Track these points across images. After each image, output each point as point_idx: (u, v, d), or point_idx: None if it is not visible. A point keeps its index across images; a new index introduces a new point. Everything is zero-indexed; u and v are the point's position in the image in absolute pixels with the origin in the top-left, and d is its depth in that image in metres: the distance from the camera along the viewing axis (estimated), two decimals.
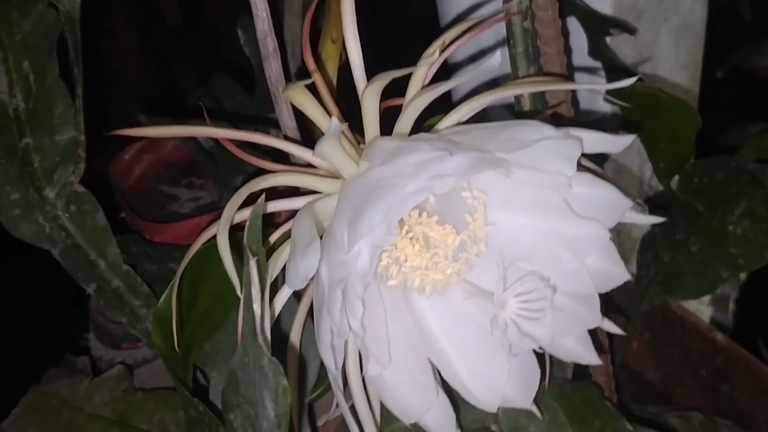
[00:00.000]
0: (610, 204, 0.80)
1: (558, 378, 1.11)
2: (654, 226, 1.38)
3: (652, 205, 1.39)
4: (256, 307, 0.65)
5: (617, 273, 0.83)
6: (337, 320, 0.68)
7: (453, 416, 0.82)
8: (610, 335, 1.49)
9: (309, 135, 1.00)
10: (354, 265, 0.70)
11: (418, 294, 0.85)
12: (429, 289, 0.82)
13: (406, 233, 0.83)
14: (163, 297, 0.97)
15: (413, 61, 0.82)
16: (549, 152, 0.76)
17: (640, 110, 1.14)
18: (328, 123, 0.75)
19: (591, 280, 0.83)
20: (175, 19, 2.40)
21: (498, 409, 0.97)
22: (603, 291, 0.84)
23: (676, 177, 1.29)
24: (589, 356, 0.84)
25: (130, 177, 1.57)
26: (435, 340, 0.83)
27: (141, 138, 1.56)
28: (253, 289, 0.65)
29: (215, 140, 1.45)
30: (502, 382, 0.82)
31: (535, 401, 0.97)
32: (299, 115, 1.01)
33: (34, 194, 1.05)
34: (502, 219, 0.84)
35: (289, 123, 0.93)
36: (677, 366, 1.56)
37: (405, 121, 0.79)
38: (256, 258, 0.65)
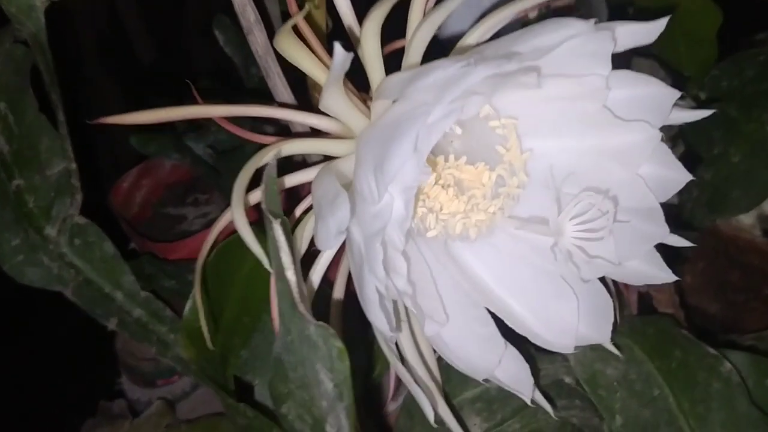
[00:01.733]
0: (654, 100, 0.72)
1: (625, 316, 1.03)
2: (690, 145, 1.29)
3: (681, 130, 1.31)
4: (290, 274, 0.57)
5: (676, 177, 0.74)
6: (382, 276, 0.60)
7: (526, 367, 0.73)
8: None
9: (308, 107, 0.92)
10: (389, 214, 0.62)
11: (462, 243, 0.76)
12: (474, 232, 0.74)
13: (436, 181, 0.75)
14: (188, 307, 0.89)
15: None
16: (578, 53, 0.68)
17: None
18: (325, 75, 0.67)
19: (649, 190, 0.74)
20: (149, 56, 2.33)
21: (569, 357, 0.90)
22: (664, 199, 0.75)
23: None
24: (662, 274, 0.76)
25: (133, 205, 1.50)
26: (489, 289, 0.75)
27: (136, 163, 1.50)
28: (283, 255, 0.57)
29: (213, 148, 1.38)
30: (574, 320, 0.74)
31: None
32: (296, 91, 0.93)
33: (34, 235, 0.99)
34: (540, 145, 0.76)
35: (284, 95, 0.85)
36: (739, 291, 1.47)
37: (413, 54, 0.71)
38: (279, 220, 0.56)
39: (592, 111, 0.72)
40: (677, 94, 0.70)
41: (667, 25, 1.07)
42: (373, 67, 0.72)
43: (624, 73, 0.71)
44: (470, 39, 0.74)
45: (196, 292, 0.79)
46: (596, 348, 0.91)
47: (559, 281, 0.75)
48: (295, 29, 0.70)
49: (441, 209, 0.74)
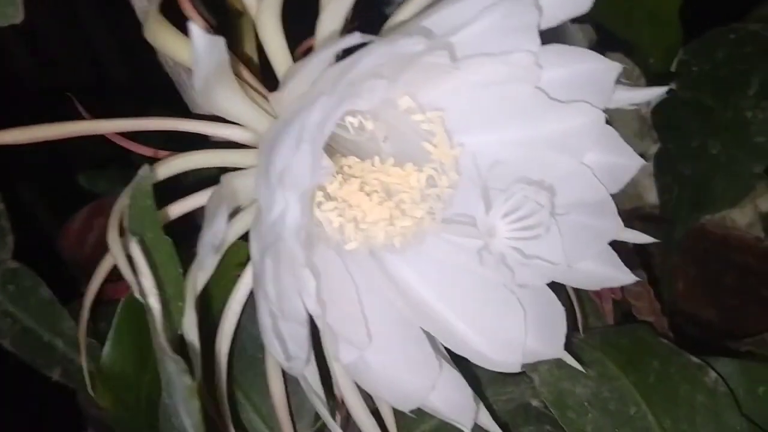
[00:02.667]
0: (594, 77, 0.63)
1: (597, 327, 0.93)
2: (666, 141, 1.20)
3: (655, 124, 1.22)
4: (152, 300, 0.48)
5: (626, 163, 0.65)
6: (273, 296, 0.51)
7: (468, 392, 0.64)
8: (651, 279, 1.31)
9: None
10: (283, 223, 0.53)
11: (395, 256, 0.67)
12: (399, 241, 0.65)
13: (361, 188, 0.66)
14: (107, 349, 0.80)
15: None
16: (498, 27, 0.59)
17: None
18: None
19: (598, 180, 0.65)
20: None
21: (535, 378, 0.80)
22: (616, 189, 0.66)
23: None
24: (619, 276, 0.66)
25: (85, 246, 1.42)
26: (426, 305, 0.66)
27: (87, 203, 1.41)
28: (142, 280, 0.48)
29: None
30: (521, 334, 0.65)
31: (576, 357, 0.80)
32: None
33: None
34: (472, 139, 0.68)
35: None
36: (734, 294, 1.37)
37: (326, 24, 0.61)
38: (137, 238, 0.48)
39: (525, 95, 0.63)
40: (618, 68, 0.62)
41: (628, 8, 0.99)
42: (276, 54, 0.63)
43: (556, 49, 0.62)
44: (402, 16, 0.65)
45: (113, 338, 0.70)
46: (563, 365, 0.81)
47: (503, 291, 0.66)
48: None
49: (364, 218, 0.65)
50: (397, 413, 0.80)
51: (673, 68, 1.07)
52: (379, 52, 0.51)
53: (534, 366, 0.82)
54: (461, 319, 0.66)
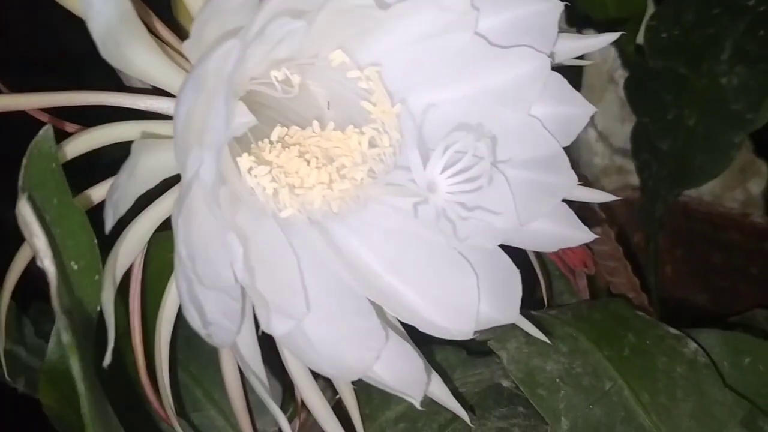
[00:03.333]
0: (536, 20, 0.59)
1: (571, 304, 0.89)
2: (641, 115, 1.16)
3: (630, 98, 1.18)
4: (47, 263, 0.43)
5: (578, 112, 0.61)
6: (184, 256, 0.46)
7: (419, 364, 0.59)
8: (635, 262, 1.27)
9: None
10: (197, 178, 0.49)
11: (338, 225, 0.63)
12: (337, 205, 0.60)
13: (300, 154, 0.62)
14: (51, 345, 0.76)
15: None
16: None
17: None
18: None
19: (548, 132, 0.61)
20: None
21: (503, 356, 0.76)
22: (568, 142, 0.62)
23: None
24: (577, 234, 0.62)
25: None
26: (371, 274, 0.62)
27: None
28: (35, 240, 0.44)
29: None
30: (473, 300, 0.60)
31: (546, 333, 0.75)
32: None
33: None
34: (414, 96, 0.63)
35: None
36: (724, 274, 1.32)
37: None
38: (26, 195, 0.43)
39: (464, 43, 0.60)
40: (560, 6, 0.57)
41: None
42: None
43: None
44: None
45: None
46: (533, 342, 0.77)
47: (455, 257, 0.62)
48: None
49: (301, 183, 0.61)
50: (361, 401, 0.76)
51: (641, 36, 1.03)
52: None
53: (502, 344, 0.77)
54: (411, 288, 0.62)
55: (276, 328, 0.54)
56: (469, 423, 0.66)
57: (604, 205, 1.28)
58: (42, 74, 1.08)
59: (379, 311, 0.61)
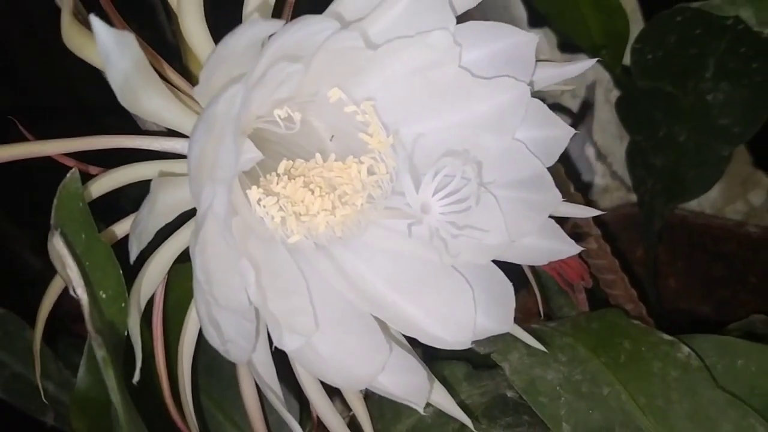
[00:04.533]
0: (514, 51, 0.64)
1: (571, 316, 0.93)
2: (634, 133, 1.21)
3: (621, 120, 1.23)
4: (80, 292, 0.49)
5: (558, 134, 0.66)
6: (202, 281, 0.52)
7: (422, 373, 0.64)
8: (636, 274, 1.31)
9: None
10: (211, 211, 0.54)
11: (342, 249, 0.68)
12: (340, 230, 0.65)
13: (305, 185, 0.68)
14: (81, 373, 0.81)
15: None
16: (414, 11, 0.61)
17: None
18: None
19: (532, 155, 0.66)
20: None
21: (505, 367, 0.80)
22: (551, 162, 0.67)
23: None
24: (564, 247, 0.67)
25: None
26: (375, 293, 0.67)
27: None
28: (68, 271, 0.49)
29: None
30: (470, 313, 0.65)
31: (545, 344, 0.80)
32: None
33: None
34: (408, 127, 0.69)
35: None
36: (725, 284, 1.36)
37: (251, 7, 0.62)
38: (58, 231, 0.49)
39: (451, 76, 0.65)
40: (535, 38, 0.63)
41: (575, 3, 1.00)
42: (199, 46, 0.64)
43: (474, 27, 0.64)
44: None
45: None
46: (534, 353, 0.81)
47: (452, 273, 0.66)
48: None
49: (307, 211, 0.66)
50: (374, 417, 0.81)
51: (627, 58, 1.08)
52: (287, 35, 0.52)
53: (505, 356, 0.82)
54: (412, 304, 0.66)
55: (287, 344, 0.59)
56: (474, 430, 0.70)
57: (604, 221, 1.33)
58: (65, 122, 1.15)
59: (384, 326, 0.66)
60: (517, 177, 0.67)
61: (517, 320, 0.77)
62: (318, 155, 0.69)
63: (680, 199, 1.20)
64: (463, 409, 0.78)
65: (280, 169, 0.68)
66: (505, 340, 0.81)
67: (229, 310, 0.56)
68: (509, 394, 0.84)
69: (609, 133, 1.50)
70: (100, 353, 0.49)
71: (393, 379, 0.63)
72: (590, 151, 1.53)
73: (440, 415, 0.79)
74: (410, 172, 0.63)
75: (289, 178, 0.69)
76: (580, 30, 1.02)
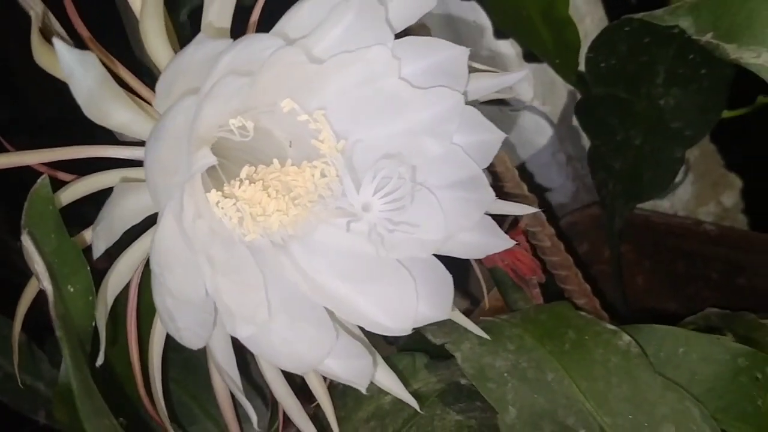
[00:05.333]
0: (449, 64, 0.71)
1: (523, 309, 0.99)
2: (594, 138, 1.27)
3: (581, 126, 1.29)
4: (46, 284, 0.55)
5: (491, 138, 0.73)
6: (157, 273, 0.58)
7: (367, 359, 0.70)
8: (603, 272, 1.37)
9: None
10: (169, 213, 0.60)
11: (298, 246, 0.75)
12: (293, 228, 0.72)
13: (264, 188, 0.74)
14: (63, 368, 0.87)
15: None
16: (356, 28, 0.68)
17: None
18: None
19: (469, 158, 0.72)
20: None
21: (457, 355, 0.86)
22: (486, 164, 0.73)
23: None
24: (499, 242, 0.73)
25: None
26: (327, 287, 0.73)
27: None
28: (35, 266, 0.55)
29: None
30: (413, 303, 0.71)
31: (496, 334, 0.86)
32: None
33: None
34: (357, 134, 0.75)
35: None
36: (689, 281, 1.42)
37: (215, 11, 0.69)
38: (26, 230, 0.55)
39: (392, 87, 0.71)
40: (467, 51, 0.69)
41: (527, 16, 1.07)
42: (161, 57, 0.69)
43: (412, 42, 0.70)
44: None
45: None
46: (484, 342, 0.87)
47: (396, 266, 0.73)
48: None
49: (263, 212, 0.72)
50: (337, 406, 0.87)
51: (582, 67, 1.14)
52: (233, 52, 0.59)
53: (457, 345, 0.88)
54: (360, 296, 0.72)
55: (240, 332, 0.65)
56: (418, 409, 0.76)
57: (573, 221, 1.39)
58: (46, 134, 1.21)
59: (333, 315, 0.72)
60: (456, 178, 0.73)
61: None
62: (276, 161, 0.75)
63: (639, 200, 1.26)
64: (420, 395, 0.85)
65: (243, 174, 0.74)
66: (458, 331, 0.87)
67: (186, 302, 0.62)
68: (463, 381, 0.90)
69: (578, 137, 1.56)
70: (58, 333, 0.55)
71: (339, 363, 0.69)
72: (561, 157, 1.60)
73: (397, 402, 0.85)
74: (356, 174, 0.70)
75: (251, 182, 0.75)
76: (534, 42, 1.08)
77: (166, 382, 0.96)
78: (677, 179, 1.65)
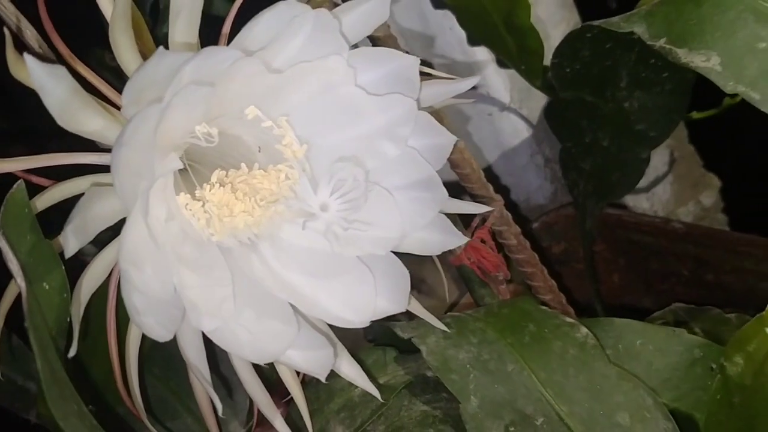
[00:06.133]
0: (401, 73, 0.75)
1: (489, 304, 1.03)
2: (564, 140, 1.32)
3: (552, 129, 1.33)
4: (20, 280, 0.59)
5: (444, 141, 0.77)
6: (125, 270, 0.62)
7: (328, 350, 0.75)
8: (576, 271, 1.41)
9: None
10: (137, 215, 0.65)
11: (264, 245, 0.79)
12: (257, 229, 0.76)
13: (232, 191, 0.78)
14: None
15: None
16: (313, 41, 0.72)
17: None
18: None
19: (424, 160, 0.77)
20: None
21: (423, 349, 0.90)
22: (440, 166, 0.78)
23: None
24: (454, 239, 0.78)
25: None
26: (291, 283, 0.77)
27: None
28: (9, 264, 0.60)
29: None
30: (372, 297, 0.76)
31: (460, 328, 0.90)
32: None
33: None
34: (319, 139, 0.79)
35: None
36: (662, 278, 1.46)
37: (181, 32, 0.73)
38: (1, 232, 0.60)
39: (350, 94, 0.75)
40: (417, 60, 0.74)
41: (492, 24, 1.11)
42: (132, 68, 0.72)
43: (366, 52, 0.75)
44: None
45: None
46: (449, 336, 0.91)
47: (356, 262, 0.77)
48: None
49: (230, 213, 0.77)
50: (310, 399, 0.91)
51: (549, 72, 1.18)
52: (192, 63, 0.63)
53: (423, 339, 0.92)
54: (322, 291, 0.77)
55: (205, 325, 0.70)
56: (379, 398, 0.81)
57: (548, 222, 1.44)
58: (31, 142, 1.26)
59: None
60: (412, 179, 0.77)
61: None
62: (243, 165, 0.80)
63: (608, 199, 1.30)
64: (388, 387, 0.89)
65: (214, 178, 0.79)
66: (425, 326, 0.92)
67: (155, 298, 0.66)
68: (429, 374, 0.94)
69: (555, 139, 1.60)
70: (27, 323, 0.60)
71: (300, 354, 0.73)
72: (539, 159, 1.64)
73: (366, 394, 0.89)
74: (317, 177, 0.74)
75: (221, 185, 0.79)
76: (500, 48, 1.12)
77: (147, 379, 1.01)
78: (658, 179, 1.70)
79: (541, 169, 1.64)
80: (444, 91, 0.79)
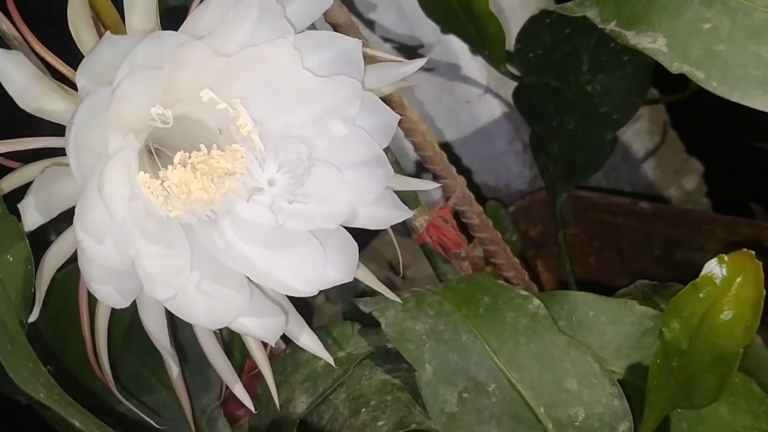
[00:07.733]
0: (346, 55, 0.79)
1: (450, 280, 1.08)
2: (533, 124, 1.36)
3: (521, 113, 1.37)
4: None
5: (388, 120, 0.82)
6: (80, 240, 0.67)
7: (281, 318, 0.79)
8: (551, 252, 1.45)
9: None
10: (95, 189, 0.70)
11: (223, 220, 0.84)
12: (214, 205, 0.81)
13: (192, 171, 0.83)
14: None
15: None
16: (260, 26, 0.76)
17: None
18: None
19: (371, 138, 0.81)
20: None
21: (382, 321, 0.95)
22: (386, 144, 0.82)
23: None
24: (401, 214, 0.83)
25: None
26: (246, 256, 0.82)
27: None
28: None
29: None
30: (322, 268, 0.80)
31: (418, 301, 0.94)
32: None
33: None
34: (273, 120, 0.83)
35: None
36: (635, 259, 1.50)
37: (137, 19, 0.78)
38: None
39: (298, 76, 0.79)
40: (360, 42, 0.78)
41: (455, 12, 1.15)
42: (82, 32, 0.75)
43: (312, 36, 0.79)
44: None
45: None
46: (408, 309, 0.96)
47: (308, 236, 0.81)
48: None
49: (187, 191, 0.81)
50: (277, 371, 0.96)
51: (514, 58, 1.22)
52: (139, 47, 0.68)
53: (382, 312, 0.97)
54: (275, 263, 0.81)
55: (159, 294, 0.74)
56: (332, 363, 0.85)
57: (524, 205, 1.47)
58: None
59: None
60: (361, 157, 0.81)
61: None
62: (202, 146, 0.84)
63: (576, 181, 1.34)
64: (351, 358, 0.94)
65: (176, 159, 0.83)
66: (385, 301, 0.96)
67: (113, 270, 0.71)
68: (390, 346, 0.99)
69: None
70: None
71: (252, 321, 0.78)
72: (517, 145, 1.68)
73: (328, 365, 0.94)
74: (268, 156, 0.79)
75: (183, 166, 0.84)
76: (463, 35, 1.16)
77: (125, 357, 1.05)
78: (640, 164, 1.74)
79: (519, 155, 1.68)
80: (393, 73, 0.83)
